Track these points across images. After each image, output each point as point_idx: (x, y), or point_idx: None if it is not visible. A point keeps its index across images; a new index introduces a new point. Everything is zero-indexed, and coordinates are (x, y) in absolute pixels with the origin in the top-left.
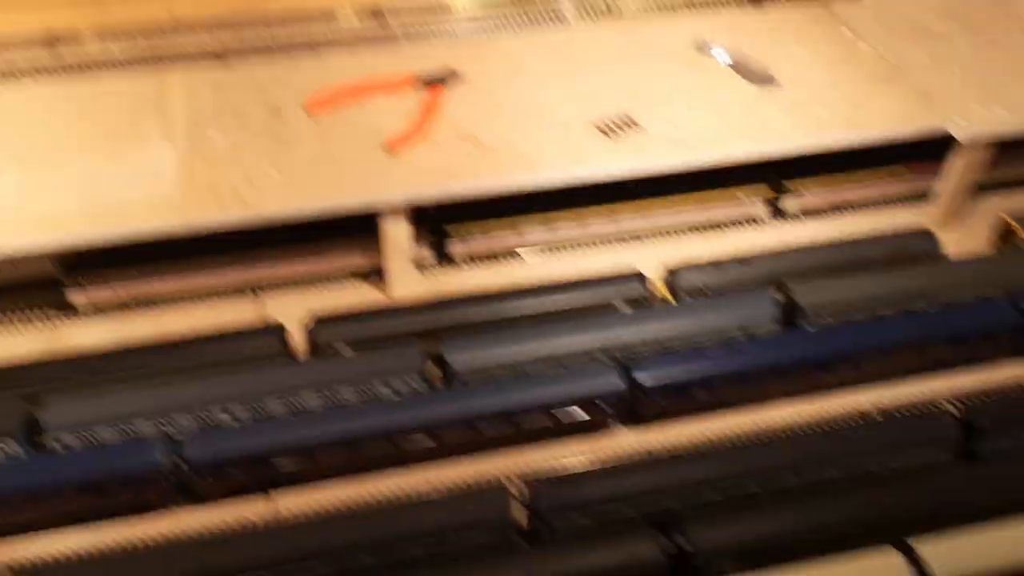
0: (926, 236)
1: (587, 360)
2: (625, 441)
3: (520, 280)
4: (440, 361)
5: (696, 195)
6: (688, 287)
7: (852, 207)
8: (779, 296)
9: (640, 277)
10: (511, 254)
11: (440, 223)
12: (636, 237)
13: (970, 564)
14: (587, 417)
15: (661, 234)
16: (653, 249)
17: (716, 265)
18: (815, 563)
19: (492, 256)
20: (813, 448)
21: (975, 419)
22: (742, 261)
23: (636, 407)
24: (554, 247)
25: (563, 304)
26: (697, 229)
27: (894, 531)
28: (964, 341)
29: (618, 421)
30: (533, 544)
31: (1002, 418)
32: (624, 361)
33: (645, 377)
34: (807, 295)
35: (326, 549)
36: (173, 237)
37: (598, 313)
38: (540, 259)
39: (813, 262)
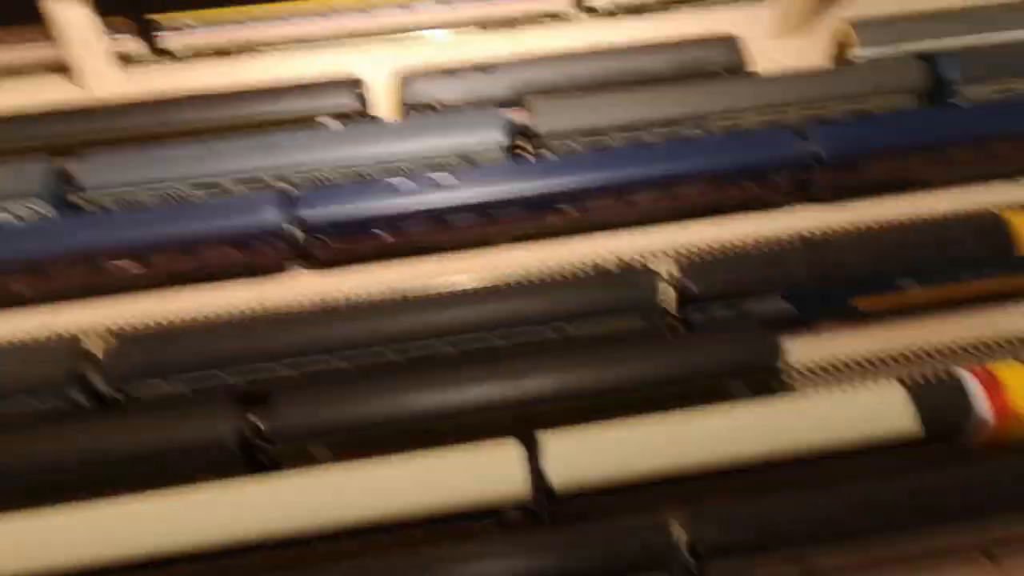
0: (728, 45)
1: (254, 188)
2: (302, 286)
3: (250, 80)
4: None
5: None
6: (418, 98)
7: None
8: (516, 116)
9: (355, 84)
10: (244, 49)
11: (142, 9)
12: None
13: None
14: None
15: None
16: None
17: (452, 72)
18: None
19: (220, 52)
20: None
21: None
22: (484, 68)
23: (307, 247)
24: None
25: (248, 117)
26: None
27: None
28: (726, 179)
29: (294, 263)
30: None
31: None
32: (294, 192)
33: (311, 212)
34: (547, 115)
35: None
36: None
37: (292, 128)
38: (267, 58)
39: (579, 71)
